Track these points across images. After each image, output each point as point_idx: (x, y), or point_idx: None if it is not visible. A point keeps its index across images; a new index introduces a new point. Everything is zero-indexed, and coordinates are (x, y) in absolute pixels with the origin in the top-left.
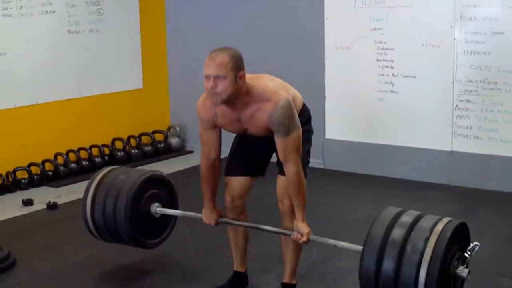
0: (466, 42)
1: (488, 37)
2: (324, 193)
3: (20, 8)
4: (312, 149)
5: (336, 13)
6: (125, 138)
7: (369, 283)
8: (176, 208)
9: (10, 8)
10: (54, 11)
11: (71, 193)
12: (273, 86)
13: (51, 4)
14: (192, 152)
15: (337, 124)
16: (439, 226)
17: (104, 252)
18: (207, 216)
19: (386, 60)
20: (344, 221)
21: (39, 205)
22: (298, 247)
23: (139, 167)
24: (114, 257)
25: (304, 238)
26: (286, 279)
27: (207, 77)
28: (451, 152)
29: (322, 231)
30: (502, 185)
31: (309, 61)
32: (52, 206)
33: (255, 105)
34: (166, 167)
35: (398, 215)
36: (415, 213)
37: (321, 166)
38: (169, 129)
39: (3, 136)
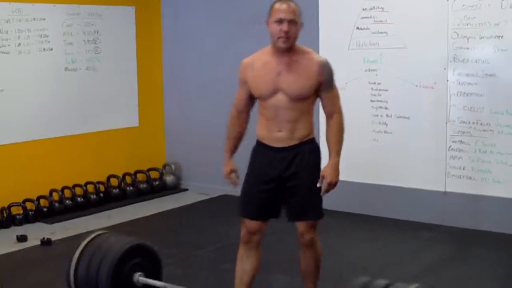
0: (459, 83)
1: (481, 79)
2: (320, 233)
3: (18, 46)
4: None
5: (330, 54)
6: (120, 175)
7: None
8: (160, 278)
9: (8, 45)
10: (51, 49)
11: (65, 229)
12: None
13: (49, 42)
14: (187, 189)
15: None
16: None
17: None
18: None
19: (380, 101)
20: (337, 262)
21: (33, 241)
22: (317, 263)
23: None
24: None
25: (328, 179)
26: None
27: (281, 21)
28: (445, 193)
29: None
30: (495, 226)
31: None
32: (46, 243)
33: (300, 55)
34: (160, 205)
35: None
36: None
37: None
38: (164, 166)
39: None
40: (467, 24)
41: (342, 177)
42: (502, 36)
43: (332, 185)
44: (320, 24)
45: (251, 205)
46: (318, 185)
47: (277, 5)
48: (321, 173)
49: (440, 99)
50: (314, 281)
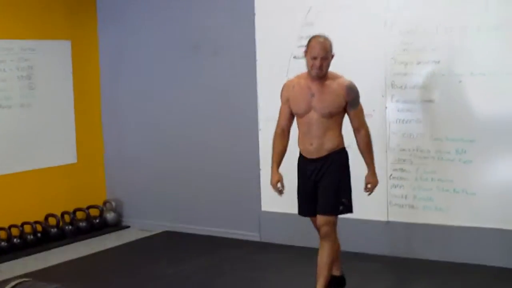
0: (398, 110)
1: (419, 105)
2: (258, 269)
3: None
4: (248, 221)
5: (268, 83)
6: (59, 214)
7: None
8: None
9: None
10: None
11: (0, 273)
12: None
13: None
14: (128, 227)
15: (273, 196)
16: None
17: None
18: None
19: None
20: None
21: None
22: (330, 257)
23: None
24: None
25: (373, 185)
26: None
27: (315, 58)
28: (387, 222)
29: None
30: (438, 255)
31: (243, 134)
32: None
33: (331, 80)
34: (101, 243)
35: None
36: None
37: (258, 239)
38: (104, 204)
39: None
40: (404, 50)
41: (284, 209)
42: (439, 61)
43: (375, 187)
44: (257, 52)
45: (302, 206)
46: (365, 191)
47: (313, 43)
48: (366, 181)
49: (379, 127)
50: (325, 274)
